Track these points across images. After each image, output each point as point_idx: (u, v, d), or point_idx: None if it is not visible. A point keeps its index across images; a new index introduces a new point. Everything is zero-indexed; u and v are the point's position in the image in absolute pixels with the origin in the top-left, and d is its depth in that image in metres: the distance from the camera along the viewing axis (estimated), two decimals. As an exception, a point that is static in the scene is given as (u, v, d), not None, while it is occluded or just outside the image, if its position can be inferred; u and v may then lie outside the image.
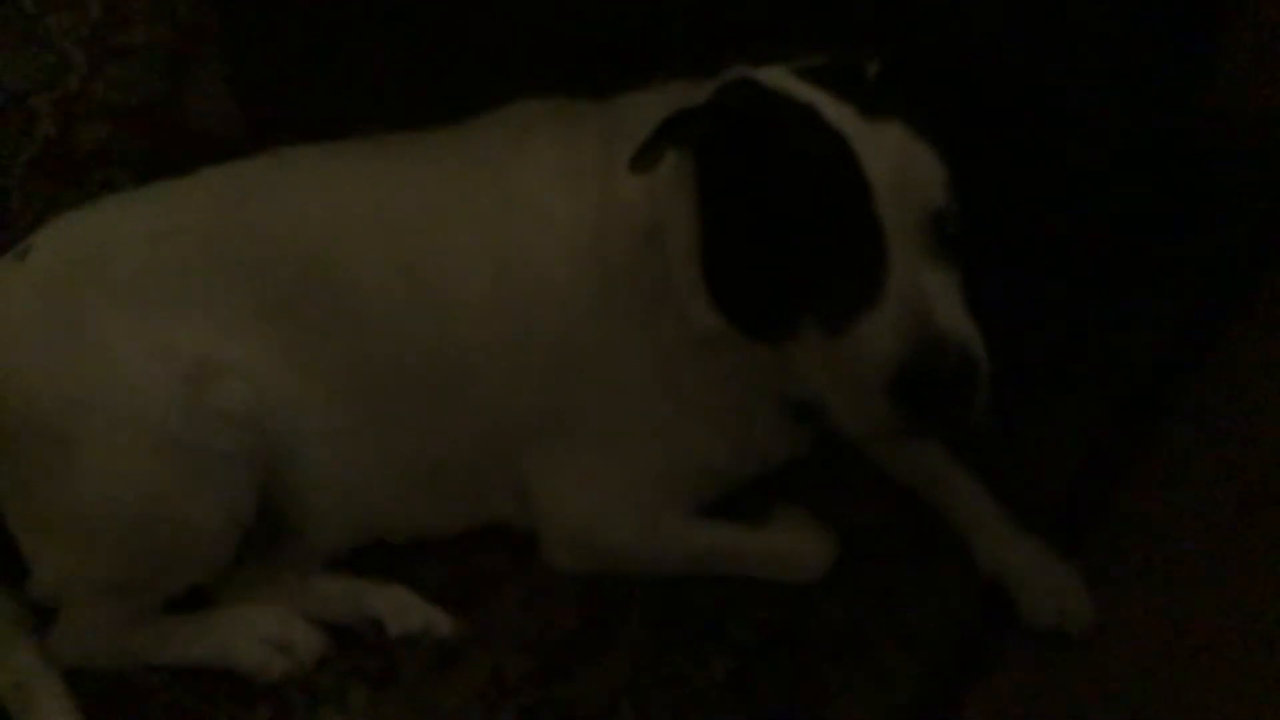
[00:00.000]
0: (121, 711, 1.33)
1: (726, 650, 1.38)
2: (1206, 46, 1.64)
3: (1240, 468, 1.62)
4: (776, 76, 1.23)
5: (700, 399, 1.37)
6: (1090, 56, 1.47)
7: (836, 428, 1.29)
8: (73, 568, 1.29)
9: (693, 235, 1.25)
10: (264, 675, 1.33)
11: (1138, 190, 1.65)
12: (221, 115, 1.96)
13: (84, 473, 1.24)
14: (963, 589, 1.45)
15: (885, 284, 1.13)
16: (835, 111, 1.16)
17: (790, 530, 1.44)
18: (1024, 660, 1.40)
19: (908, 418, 1.13)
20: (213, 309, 1.31)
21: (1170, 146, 1.70)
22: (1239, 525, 1.55)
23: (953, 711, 1.36)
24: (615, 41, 1.47)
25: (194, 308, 1.30)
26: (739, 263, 1.22)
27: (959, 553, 1.47)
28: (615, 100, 1.38)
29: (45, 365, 1.26)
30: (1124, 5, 1.48)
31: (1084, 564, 1.44)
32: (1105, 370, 1.69)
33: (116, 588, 1.29)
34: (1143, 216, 1.68)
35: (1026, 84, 1.36)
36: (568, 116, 1.39)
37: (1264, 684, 1.39)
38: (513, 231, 1.34)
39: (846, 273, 1.14)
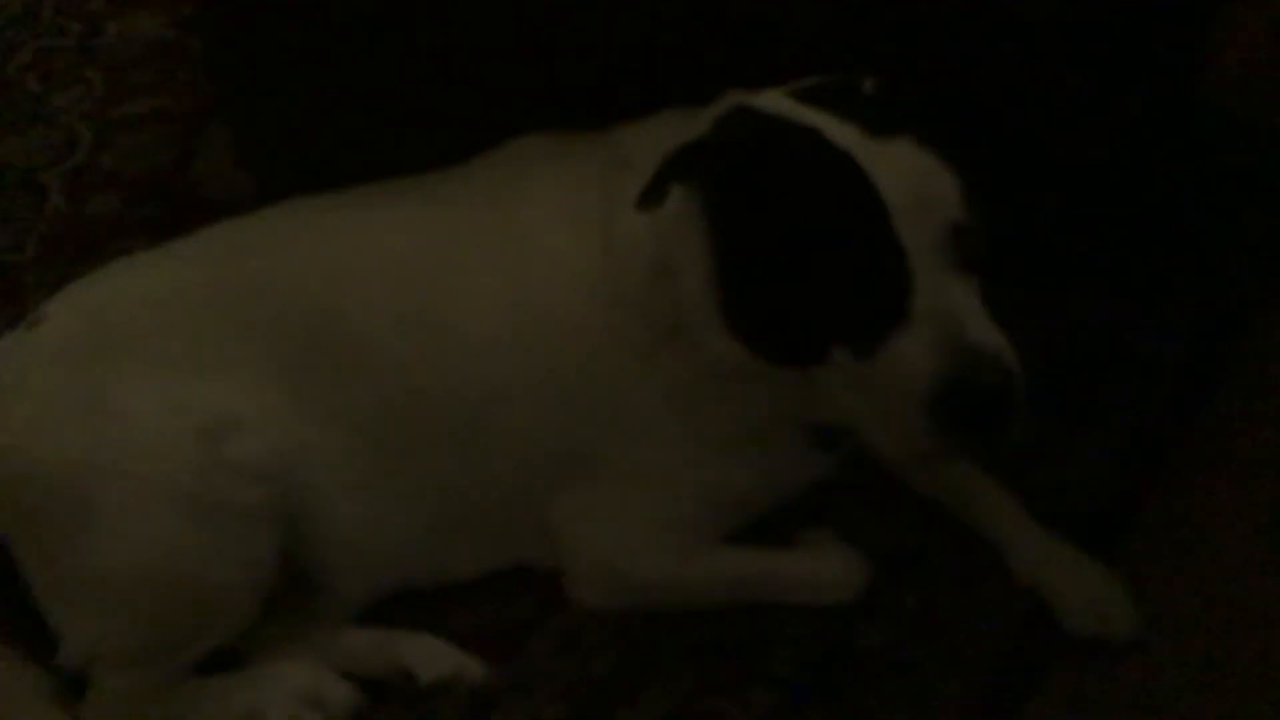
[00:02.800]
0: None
1: (767, 684, 1.36)
2: (1197, 37, 1.63)
3: (1277, 460, 1.59)
4: (774, 101, 1.23)
5: (720, 429, 1.36)
6: (1081, 53, 1.47)
7: (873, 451, 1.28)
8: (100, 635, 1.27)
9: (706, 269, 1.24)
10: (296, 733, 1.31)
11: (1144, 185, 1.63)
12: (229, 180, 1.98)
13: (105, 537, 1.24)
14: (1003, 607, 1.42)
15: (911, 303, 1.12)
16: (840, 133, 1.15)
17: (819, 552, 1.43)
18: (1070, 676, 1.37)
19: (949, 437, 1.12)
20: (226, 365, 1.31)
21: (1169, 139, 1.68)
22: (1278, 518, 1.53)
23: (1002, 731, 1.33)
24: (610, 73, 1.47)
25: (207, 364, 1.30)
26: (758, 294, 1.21)
27: (997, 571, 1.44)
28: (613, 132, 1.38)
29: (61, 433, 1.26)
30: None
31: (1124, 570, 1.42)
32: (1132, 374, 1.68)
33: (145, 652, 1.28)
34: (1154, 213, 1.67)
35: (1018, 86, 1.36)
36: (567, 151, 1.39)
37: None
38: (520, 273, 1.34)
39: (871, 295, 1.13)
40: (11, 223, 1.99)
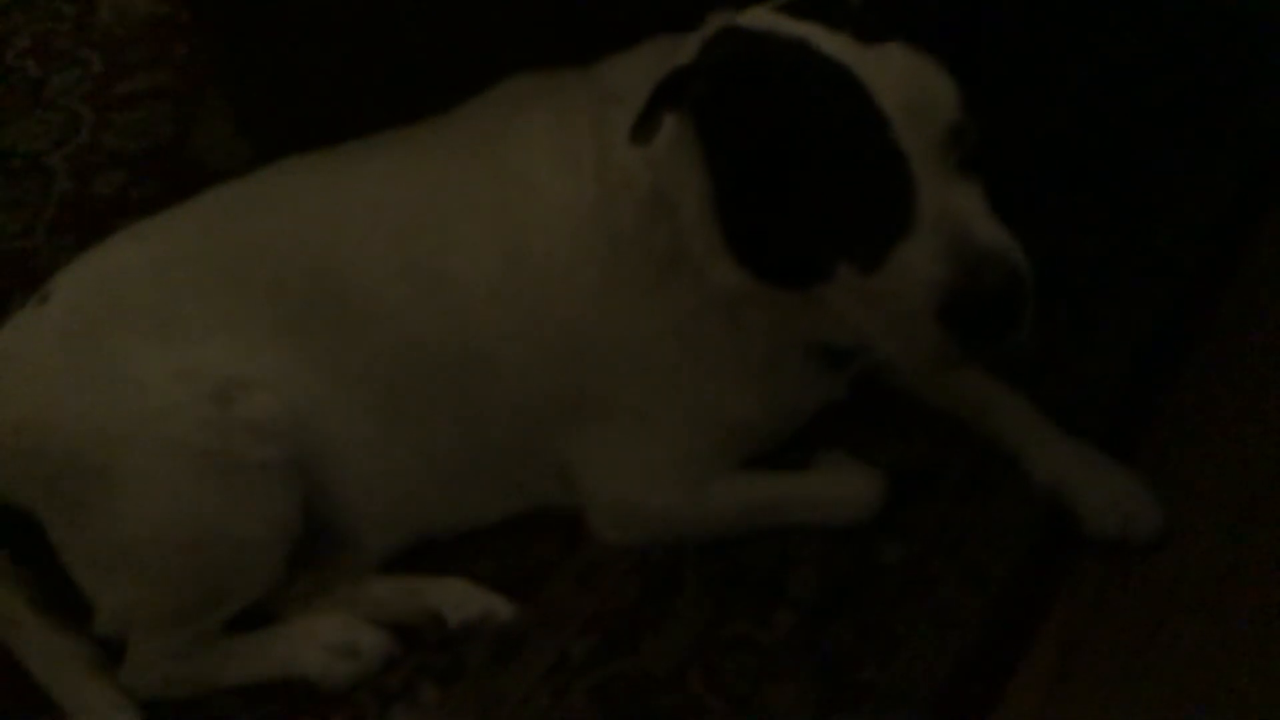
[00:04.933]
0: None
1: (788, 607, 1.37)
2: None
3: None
4: (761, 17, 1.21)
5: (727, 358, 1.35)
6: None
7: (884, 367, 1.26)
8: (132, 600, 1.30)
9: (704, 196, 1.23)
10: (332, 682, 1.33)
11: (1138, 80, 1.60)
12: (230, 150, 1.98)
13: (128, 504, 1.26)
14: (1021, 518, 1.42)
15: (916, 210, 1.10)
16: (831, 43, 1.13)
17: (835, 473, 1.43)
18: (1093, 583, 1.37)
19: (963, 342, 1.10)
20: (231, 326, 1.32)
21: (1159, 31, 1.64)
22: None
23: (1023, 646, 1.33)
24: (594, 5, 1.45)
25: (212, 327, 1.32)
26: (759, 216, 1.19)
27: (1014, 483, 1.44)
28: (600, 65, 1.36)
29: (76, 405, 1.28)
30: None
31: (1144, 469, 1.41)
32: (1143, 274, 1.66)
33: (176, 614, 1.31)
34: (1148, 109, 1.63)
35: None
36: (555, 89, 1.37)
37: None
38: (515, 214, 1.33)
39: (874, 205, 1.11)
40: (23, 207, 2.01)
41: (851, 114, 1.10)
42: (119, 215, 1.93)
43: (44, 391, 1.30)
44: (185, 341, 1.30)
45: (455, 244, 1.34)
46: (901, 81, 1.11)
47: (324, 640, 1.35)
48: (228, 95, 1.98)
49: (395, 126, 1.46)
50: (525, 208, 1.33)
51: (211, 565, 1.29)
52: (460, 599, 1.38)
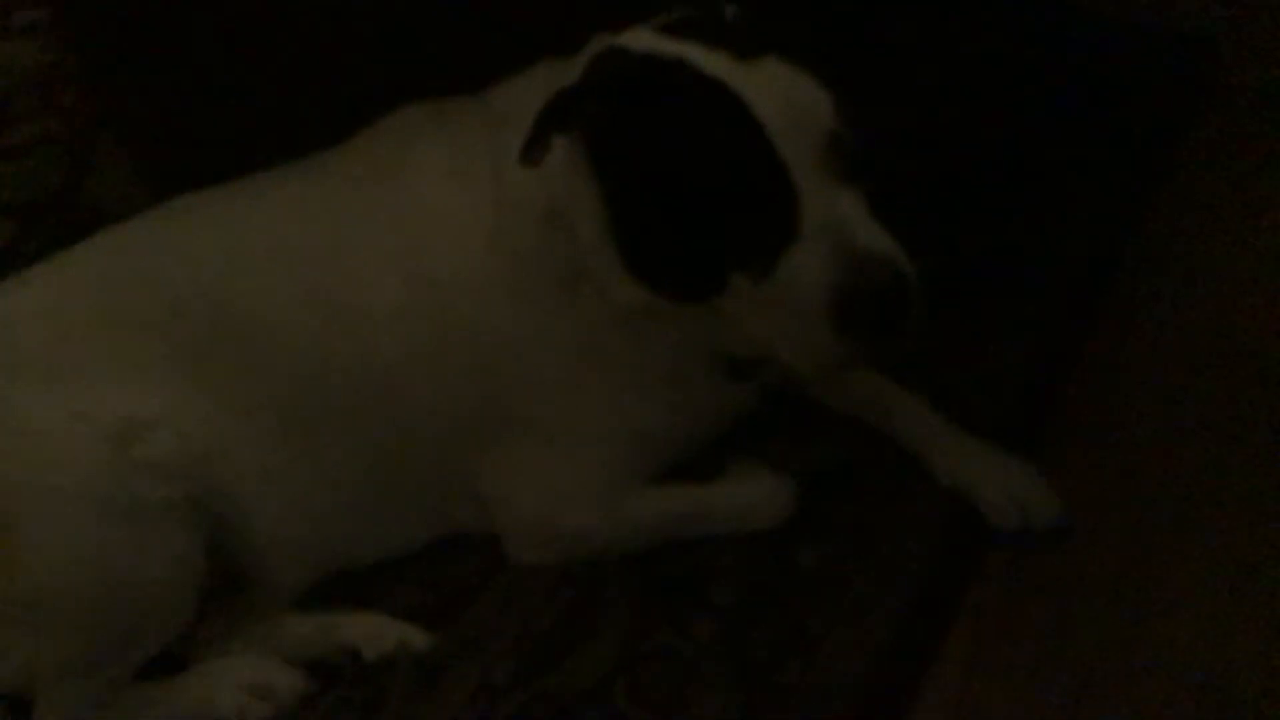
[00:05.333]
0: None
1: (709, 614, 1.38)
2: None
3: (1184, 338, 1.64)
4: (642, 38, 1.24)
5: (634, 372, 1.37)
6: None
7: (788, 373, 1.29)
8: (38, 653, 1.26)
9: (598, 214, 1.25)
10: (249, 723, 1.31)
11: (1017, 91, 1.66)
12: (125, 196, 1.95)
13: (29, 554, 1.22)
14: (932, 514, 1.45)
15: (800, 216, 1.14)
16: (709, 60, 1.16)
17: (746, 481, 1.45)
18: (1003, 575, 1.41)
19: (854, 342, 1.14)
20: (126, 367, 1.30)
21: (1037, 41, 1.72)
22: (1191, 393, 1.58)
23: (938, 637, 1.36)
24: (479, 36, 1.47)
25: (108, 368, 1.29)
26: (652, 232, 1.22)
27: (923, 480, 1.47)
28: (490, 92, 1.38)
29: None
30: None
31: (1046, 461, 1.45)
32: (1038, 269, 1.71)
33: (84, 663, 1.27)
34: (1031, 119, 1.70)
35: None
36: (447, 116, 1.39)
37: (1239, 541, 1.41)
38: (414, 239, 1.33)
39: (760, 215, 1.15)
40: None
41: (732, 128, 1.14)
42: (13, 267, 1.87)
43: (-66, 445, 1.26)
44: (80, 384, 1.28)
45: (356, 271, 1.33)
46: (778, 94, 1.14)
47: (238, 681, 1.32)
48: (122, 141, 1.95)
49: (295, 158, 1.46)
50: (424, 231, 1.33)
51: (119, 611, 1.25)
52: (375, 632, 1.37)
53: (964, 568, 1.42)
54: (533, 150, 1.19)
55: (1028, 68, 1.68)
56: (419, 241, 1.33)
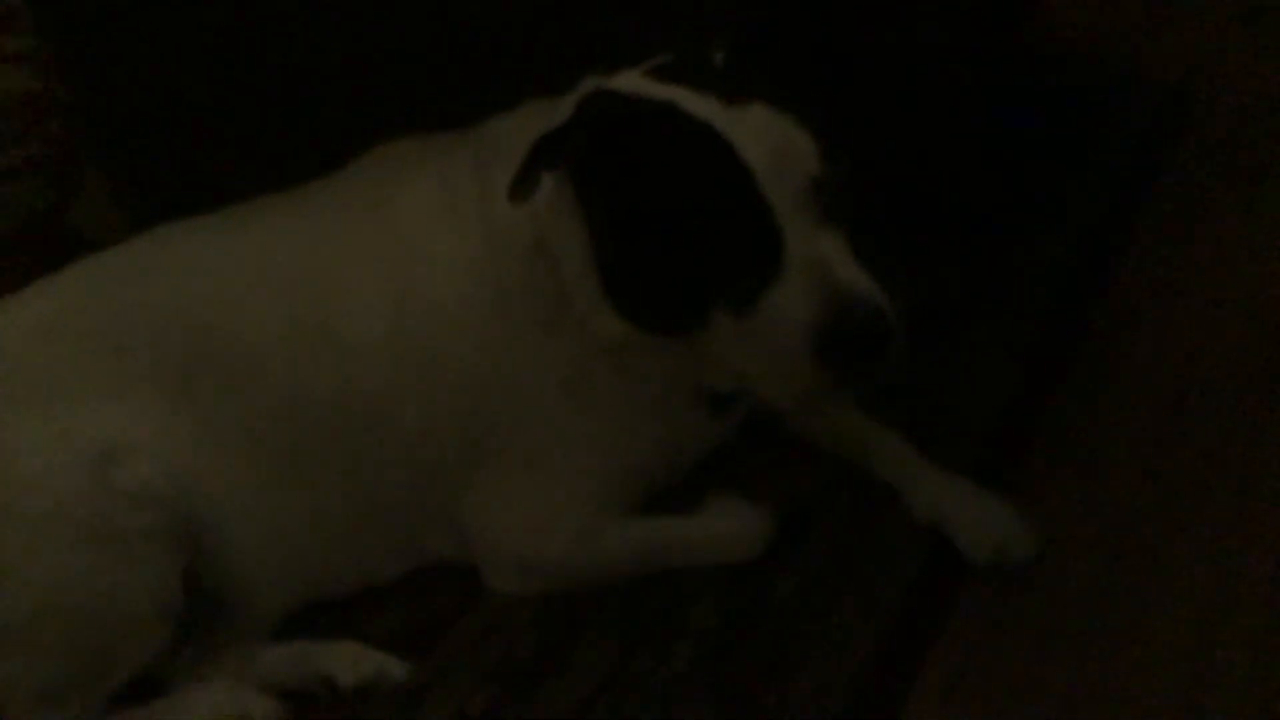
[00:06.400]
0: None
1: (688, 640, 1.38)
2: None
3: (1157, 379, 1.67)
4: (631, 81, 1.26)
5: (615, 404, 1.38)
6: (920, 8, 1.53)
7: (767, 407, 1.31)
8: (11, 678, 1.25)
9: (584, 250, 1.27)
10: (222, 753, 1.30)
11: (988, 132, 1.70)
12: (108, 224, 1.95)
13: (5, 578, 1.22)
14: (909, 545, 1.47)
15: (783, 256, 1.17)
16: (698, 105, 1.19)
17: (723, 514, 1.45)
18: (981, 606, 1.42)
19: (834, 377, 1.17)
20: (109, 392, 1.30)
21: (1007, 82, 1.76)
22: (1163, 428, 1.60)
23: (914, 664, 1.37)
24: (470, 70, 1.49)
25: (90, 394, 1.29)
26: (637, 268, 1.24)
27: (899, 512, 1.49)
28: (479, 127, 1.40)
29: None
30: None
31: (1020, 497, 1.47)
32: (1010, 308, 1.75)
33: (58, 689, 1.26)
34: (1002, 156, 1.73)
35: (862, 43, 1.41)
36: (436, 151, 1.40)
37: (1219, 563, 1.43)
38: (401, 271, 1.34)
39: (745, 254, 1.17)
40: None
41: (719, 170, 1.17)
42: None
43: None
44: (63, 409, 1.27)
45: (341, 301, 1.34)
46: (764, 138, 1.18)
47: (214, 710, 1.31)
48: (105, 169, 1.96)
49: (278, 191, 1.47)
50: (411, 263, 1.34)
51: (93, 638, 1.25)
52: (352, 661, 1.36)
53: (941, 597, 1.43)
54: (521, 187, 1.21)
55: (1002, 111, 1.72)
56: (405, 273, 1.34)
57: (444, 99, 1.47)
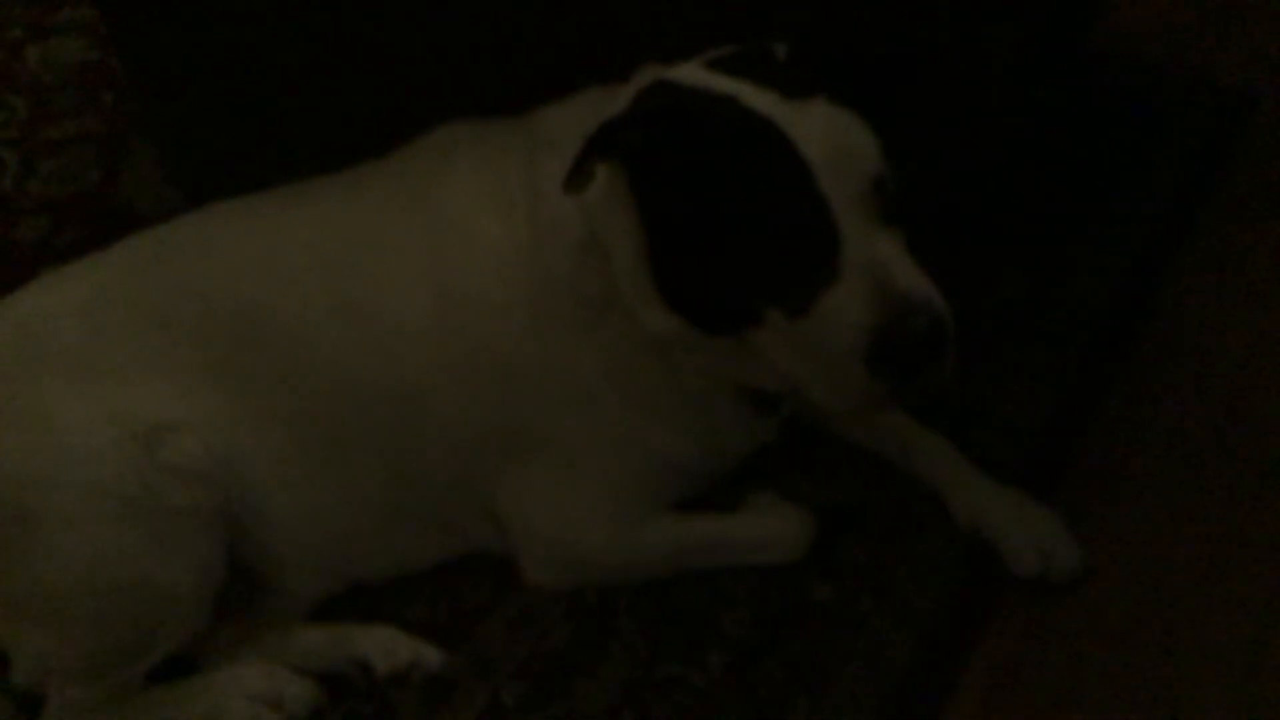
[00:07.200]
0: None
1: (721, 646, 1.38)
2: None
3: (1209, 391, 1.64)
4: (691, 73, 1.24)
5: (659, 399, 1.36)
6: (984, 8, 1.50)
7: (812, 410, 1.28)
8: (51, 650, 1.27)
9: (636, 243, 1.25)
10: (257, 732, 1.31)
11: (1050, 135, 1.67)
12: (158, 196, 1.97)
13: (49, 550, 1.23)
14: (948, 554, 1.45)
15: (841, 257, 1.13)
16: (759, 99, 1.16)
17: (765, 514, 1.44)
18: (1019, 617, 1.40)
19: (887, 384, 1.14)
20: (156, 369, 1.30)
21: (1071, 88, 1.72)
22: (1213, 448, 1.57)
23: (952, 678, 1.35)
24: (530, 55, 1.47)
25: (137, 370, 1.30)
26: (690, 263, 1.21)
27: (941, 520, 1.47)
28: (534, 114, 1.38)
29: None
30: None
31: (1065, 509, 1.45)
32: (1062, 318, 1.71)
33: (97, 664, 1.27)
34: (1063, 161, 1.70)
35: (925, 40, 1.38)
36: (488, 137, 1.39)
37: (1261, 590, 1.40)
38: (447, 257, 1.33)
39: (801, 254, 1.14)
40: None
41: (778, 166, 1.14)
42: (44, 261, 1.89)
43: (-37, 435, 1.27)
44: (111, 384, 1.28)
45: (387, 285, 1.34)
46: (825, 135, 1.14)
47: (248, 690, 1.32)
48: (156, 141, 1.97)
49: (325, 173, 1.47)
50: (458, 249, 1.33)
51: (134, 613, 1.26)
52: (388, 647, 1.36)
53: (979, 610, 1.41)
54: (577, 178, 1.19)
55: (1058, 115, 1.68)
56: (452, 259, 1.33)
57: (503, 83, 1.45)
